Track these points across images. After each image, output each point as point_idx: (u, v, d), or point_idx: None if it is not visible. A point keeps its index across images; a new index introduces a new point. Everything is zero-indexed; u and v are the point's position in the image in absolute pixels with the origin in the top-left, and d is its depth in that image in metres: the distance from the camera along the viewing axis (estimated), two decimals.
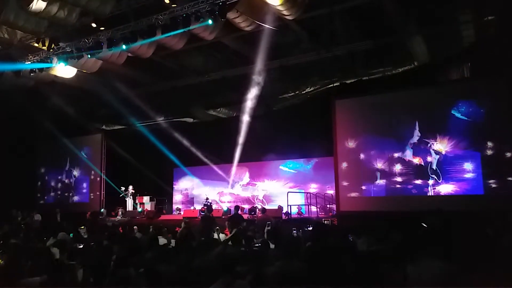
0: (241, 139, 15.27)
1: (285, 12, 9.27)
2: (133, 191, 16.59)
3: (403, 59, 12.28)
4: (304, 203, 14.65)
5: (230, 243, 6.00)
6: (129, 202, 16.58)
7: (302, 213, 14.17)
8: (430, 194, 11.45)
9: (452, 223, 5.81)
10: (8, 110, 14.95)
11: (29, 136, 17.66)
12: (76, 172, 19.42)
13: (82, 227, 9.69)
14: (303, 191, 15.38)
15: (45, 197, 20.17)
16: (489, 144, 10.75)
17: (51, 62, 11.45)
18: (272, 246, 5.81)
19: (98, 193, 18.26)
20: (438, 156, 11.45)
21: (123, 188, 16.61)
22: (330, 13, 10.23)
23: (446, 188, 11.30)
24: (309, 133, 14.00)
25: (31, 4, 8.31)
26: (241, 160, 16.38)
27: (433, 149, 11.53)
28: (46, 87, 13.64)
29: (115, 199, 17.18)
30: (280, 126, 14.73)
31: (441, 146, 11.41)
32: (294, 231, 7.58)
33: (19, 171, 18.12)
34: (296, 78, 13.87)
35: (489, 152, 10.74)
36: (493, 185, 10.64)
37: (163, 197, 18.08)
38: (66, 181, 19.72)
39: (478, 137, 10.93)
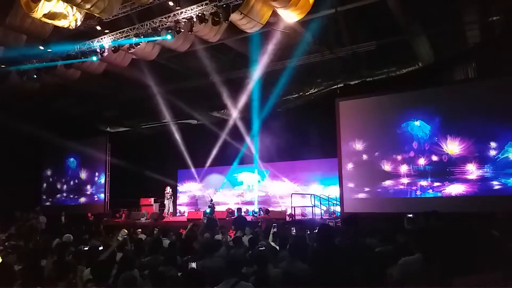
0: (246, 140, 15.30)
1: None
2: (171, 192, 16.25)
3: (407, 59, 12.22)
4: (308, 205, 14.57)
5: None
6: (167, 204, 16.29)
7: (306, 214, 14.12)
8: (435, 196, 11.39)
9: (459, 224, 5.77)
10: (14, 112, 15.01)
11: (35, 138, 17.75)
12: (81, 174, 19.51)
13: None
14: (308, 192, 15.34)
15: (50, 199, 20.29)
16: (494, 144, 10.68)
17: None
18: (277, 247, 5.80)
19: (102, 195, 18.34)
20: (444, 157, 11.39)
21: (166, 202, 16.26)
22: (334, 14, 10.20)
23: (452, 189, 11.23)
24: (313, 134, 13.95)
25: (36, 9, 8.33)
26: (246, 162, 16.40)
27: (440, 150, 11.48)
28: (51, 89, 13.69)
29: (120, 201, 17.21)
30: (284, 127, 14.67)
31: (451, 147, 11.33)
32: (293, 231, 7.57)
33: (24, 173, 18.23)
34: (300, 79, 13.83)
35: (494, 153, 10.67)
36: (499, 186, 10.57)
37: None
38: (71, 183, 19.82)
39: (483, 138, 10.87)
